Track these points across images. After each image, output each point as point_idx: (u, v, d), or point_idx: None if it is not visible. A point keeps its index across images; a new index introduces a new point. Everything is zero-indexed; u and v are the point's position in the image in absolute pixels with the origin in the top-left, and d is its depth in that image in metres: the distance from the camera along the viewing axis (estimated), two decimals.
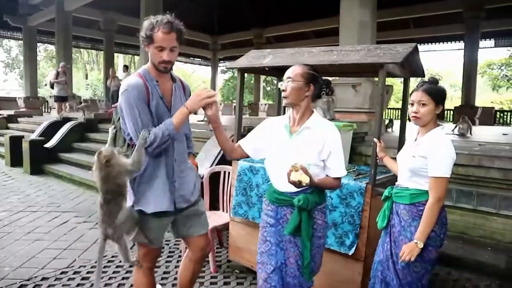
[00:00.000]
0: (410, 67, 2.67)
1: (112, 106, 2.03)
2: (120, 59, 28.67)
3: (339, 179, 1.85)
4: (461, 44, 17.08)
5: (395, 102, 24.40)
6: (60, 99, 10.84)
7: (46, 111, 16.57)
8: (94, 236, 3.91)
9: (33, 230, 4.10)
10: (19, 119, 11.96)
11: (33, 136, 8.18)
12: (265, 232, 1.88)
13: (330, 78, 5.44)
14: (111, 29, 16.56)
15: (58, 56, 13.94)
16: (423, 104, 1.91)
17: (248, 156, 1.97)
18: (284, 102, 1.84)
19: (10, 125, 11.64)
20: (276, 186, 1.86)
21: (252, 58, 3.00)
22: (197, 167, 2.16)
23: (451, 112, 18.09)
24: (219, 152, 4.43)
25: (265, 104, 18.93)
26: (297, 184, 1.65)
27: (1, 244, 3.66)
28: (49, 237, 3.87)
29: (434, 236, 1.93)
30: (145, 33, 1.78)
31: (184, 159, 2.00)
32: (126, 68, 12.55)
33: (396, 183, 2.17)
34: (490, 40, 17.05)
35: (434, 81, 2.03)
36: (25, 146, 7.43)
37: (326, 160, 1.79)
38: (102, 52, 22.78)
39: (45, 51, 30.79)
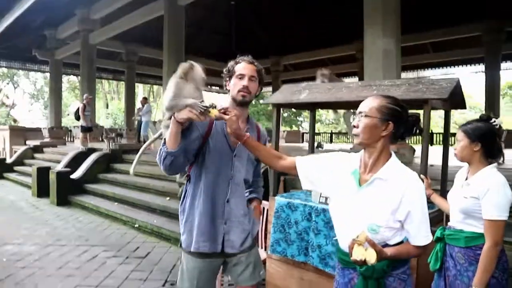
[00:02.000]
0: (452, 100, 2.62)
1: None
2: (140, 89, 29.37)
3: (421, 247, 1.43)
4: (480, 67, 16.99)
5: None
6: (86, 129, 11.04)
7: (69, 140, 16.94)
8: (124, 271, 3.86)
9: (64, 265, 4.07)
10: (44, 149, 12.24)
11: (59, 167, 8.32)
12: None
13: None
14: (132, 60, 17.11)
15: (82, 87, 14.37)
16: (459, 141, 1.97)
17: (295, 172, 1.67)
18: (354, 141, 1.51)
19: (36, 155, 11.91)
20: (340, 243, 1.55)
21: (288, 93, 2.99)
22: (261, 213, 2.07)
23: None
24: None
25: (284, 131, 18.94)
26: (360, 263, 1.31)
27: (34, 281, 3.64)
28: (80, 273, 3.83)
29: (495, 284, 1.82)
30: (228, 68, 1.88)
31: (240, 202, 1.89)
32: (145, 100, 12.70)
33: (449, 223, 2.08)
34: (511, 62, 16.86)
35: (483, 117, 2.02)
36: (52, 177, 7.55)
37: (404, 222, 1.41)
38: (122, 82, 23.54)
39: (68, 82, 31.86)
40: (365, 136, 1.45)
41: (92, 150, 8.92)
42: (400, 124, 1.45)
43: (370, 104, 1.47)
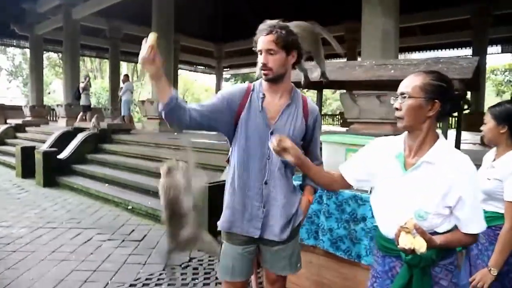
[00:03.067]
0: (469, 80, 2.55)
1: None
2: (123, 68, 28.59)
3: (474, 236, 1.35)
4: (467, 51, 17.11)
5: None
6: (86, 109, 11.46)
7: (52, 119, 16.45)
8: (121, 255, 3.75)
9: (57, 249, 3.93)
10: (27, 128, 11.83)
11: (45, 146, 8.03)
12: (375, 283, 1.51)
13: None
14: (116, 37, 16.52)
15: (65, 65, 13.84)
16: (486, 123, 1.95)
17: (351, 187, 1.62)
18: (398, 124, 1.39)
19: (18, 134, 11.50)
20: (382, 230, 1.46)
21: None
22: (308, 205, 1.85)
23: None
24: None
25: None
26: (409, 251, 1.22)
27: (27, 265, 3.49)
28: (75, 257, 3.70)
29: (508, 270, 1.81)
30: (254, 41, 1.68)
31: (281, 186, 1.70)
32: (127, 77, 12.36)
33: None
34: (497, 46, 17.05)
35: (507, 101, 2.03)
36: (38, 157, 7.27)
37: (454, 208, 1.31)
38: (106, 60, 22.81)
39: (47, 59, 30.72)
40: (410, 119, 1.34)
41: (79, 130, 8.63)
42: (446, 101, 1.33)
43: (412, 82, 1.35)
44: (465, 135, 10.22)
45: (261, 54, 1.64)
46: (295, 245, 1.83)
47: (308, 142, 1.79)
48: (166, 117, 1.56)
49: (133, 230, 4.58)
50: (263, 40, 1.62)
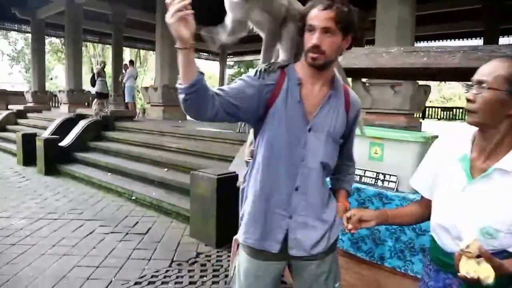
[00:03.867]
0: None
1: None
2: (127, 54, 28.25)
3: None
4: (479, 41, 16.74)
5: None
6: (100, 96, 10.82)
7: (54, 105, 16.25)
8: (126, 250, 3.59)
9: (59, 242, 3.76)
10: (28, 114, 11.65)
11: (46, 133, 7.85)
12: None
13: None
14: (120, 22, 16.17)
15: (68, 50, 13.56)
16: None
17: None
18: (467, 118, 1.15)
19: (19, 120, 11.33)
20: (439, 242, 1.24)
21: None
22: (346, 210, 1.51)
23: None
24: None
25: None
26: (472, 281, 0.99)
27: (27, 260, 3.33)
28: (77, 251, 3.54)
29: None
30: (300, 14, 1.37)
31: (315, 193, 1.42)
32: (131, 63, 12.09)
33: None
34: (508, 37, 16.70)
35: None
36: (39, 144, 7.10)
37: None
38: (108, 45, 22.45)
39: (50, 44, 30.37)
40: (485, 115, 1.09)
41: (80, 117, 8.43)
42: None
43: (495, 70, 1.08)
44: None
45: (311, 32, 1.31)
46: (333, 261, 1.53)
47: (345, 140, 1.51)
48: (187, 103, 1.23)
49: (137, 222, 4.41)
50: (318, 15, 1.28)
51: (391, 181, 2.39)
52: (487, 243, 1.04)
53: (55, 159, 7.01)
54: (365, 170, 2.48)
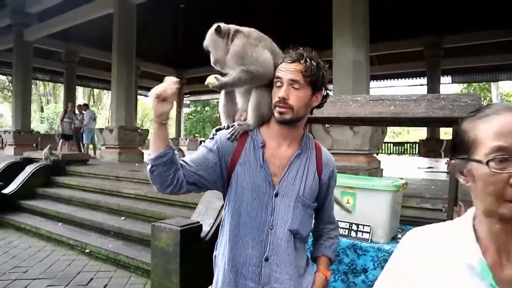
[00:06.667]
0: None
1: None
2: (79, 93, 27.43)
3: None
4: (422, 80, 18.00)
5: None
6: (65, 137, 10.81)
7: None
8: None
9: None
10: None
11: None
12: None
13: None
14: (73, 60, 15.75)
15: (16, 88, 12.92)
16: None
17: None
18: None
19: None
20: None
21: None
22: (327, 280, 1.43)
23: (417, 146, 18.91)
24: (223, 205, 3.94)
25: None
26: None
27: None
28: None
29: None
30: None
31: (286, 263, 1.31)
32: (86, 106, 11.69)
33: None
34: (448, 76, 18.15)
35: None
36: None
37: None
38: (60, 84, 21.68)
39: None
40: None
41: (28, 160, 7.86)
42: None
43: None
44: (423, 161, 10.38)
45: (279, 86, 1.28)
46: None
47: (321, 203, 1.44)
48: (153, 174, 1.22)
49: (91, 279, 4.02)
50: (286, 67, 1.27)
51: (365, 232, 2.34)
52: None
53: None
54: (338, 221, 2.42)
